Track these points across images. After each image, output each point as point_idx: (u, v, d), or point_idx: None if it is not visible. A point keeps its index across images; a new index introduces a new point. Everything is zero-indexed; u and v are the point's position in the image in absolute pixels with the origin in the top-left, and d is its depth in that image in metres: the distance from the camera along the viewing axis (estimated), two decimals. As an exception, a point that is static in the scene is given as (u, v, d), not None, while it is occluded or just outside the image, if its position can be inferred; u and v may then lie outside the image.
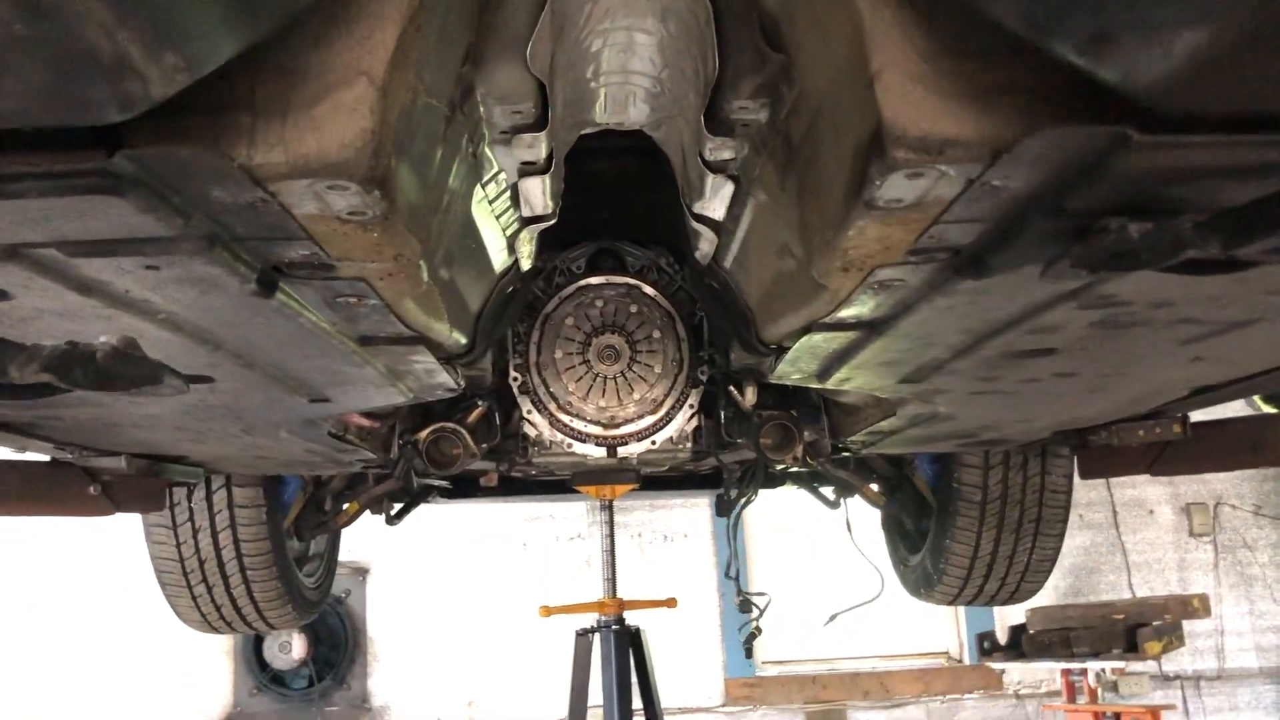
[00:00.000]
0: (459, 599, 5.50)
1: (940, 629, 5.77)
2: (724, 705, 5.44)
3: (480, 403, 2.29)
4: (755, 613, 3.20)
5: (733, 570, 3.09)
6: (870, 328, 1.33)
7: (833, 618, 3.33)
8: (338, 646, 5.31)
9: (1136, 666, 2.83)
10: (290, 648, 5.07)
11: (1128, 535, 5.68)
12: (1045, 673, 5.41)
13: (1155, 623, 2.69)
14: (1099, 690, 2.78)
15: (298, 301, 1.07)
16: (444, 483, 3.14)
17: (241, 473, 2.58)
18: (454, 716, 5.40)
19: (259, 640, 5.16)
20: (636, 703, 3.04)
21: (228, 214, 0.83)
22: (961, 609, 5.62)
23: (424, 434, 2.27)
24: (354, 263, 0.95)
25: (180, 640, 4.79)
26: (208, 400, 1.55)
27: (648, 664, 3.12)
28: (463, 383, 1.95)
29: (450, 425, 2.28)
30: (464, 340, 1.62)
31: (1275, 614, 5.64)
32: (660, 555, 5.53)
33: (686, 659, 5.38)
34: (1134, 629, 2.69)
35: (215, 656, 5.30)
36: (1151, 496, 5.78)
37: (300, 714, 5.24)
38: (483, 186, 1.24)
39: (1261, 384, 1.65)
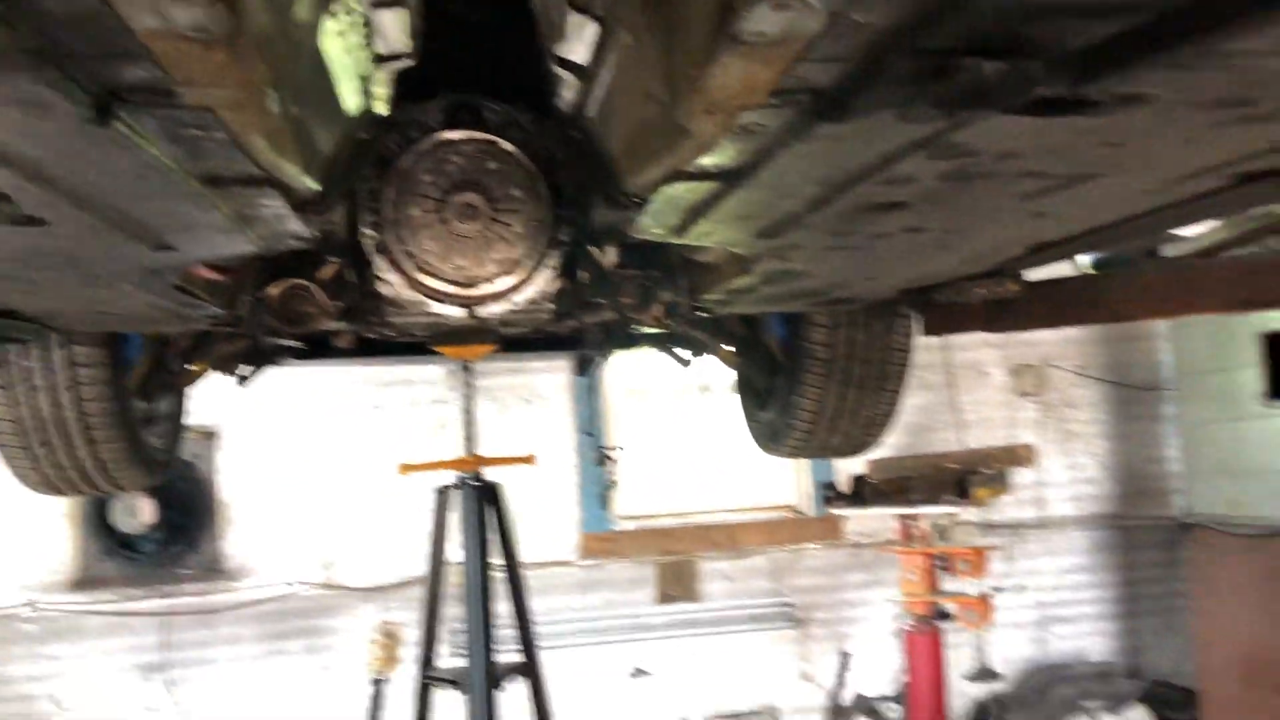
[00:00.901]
0: (313, 463, 5.46)
1: (785, 484, 6.03)
2: (580, 559, 5.60)
3: (333, 260, 2.23)
4: (611, 464, 3.28)
5: (591, 426, 3.15)
6: (730, 178, 1.35)
7: (698, 453, 3.42)
8: (189, 511, 5.22)
9: (968, 515, 3.04)
10: (138, 511, 4.96)
11: (962, 396, 5.99)
12: (882, 522, 5.75)
13: (984, 471, 2.87)
14: (932, 535, 2.97)
15: (138, 132, 1.01)
16: (296, 343, 3.07)
17: (81, 330, 2.46)
18: (311, 578, 5.41)
19: (102, 505, 5.03)
20: (495, 558, 3.11)
21: (59, 26, 0.78)
22: (805, 465, 5.88)
23: (275, 289, 2.20)
24: (198, 88, 0.90)
25: (17, 504, 4.65)
26: (41, 247, 1.47)
27: (506, 520, 3.18)
28: (316, 233, 1.89)
29: (302, 282, 2.22)
30: (316, 186, 1.56)
31: (1091, 467, 6.08)
32: (519, 418, 5.57)
33: (544, 516, 5.49)
34: (965, 478, 2.87)
35: (56, 521, 5.15)
36: (985, 359, 6.10)
37: (151, 577, 5.16)
38: (334, 17, 1.18)
39: (1095, 241, 1.74)
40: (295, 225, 1.62)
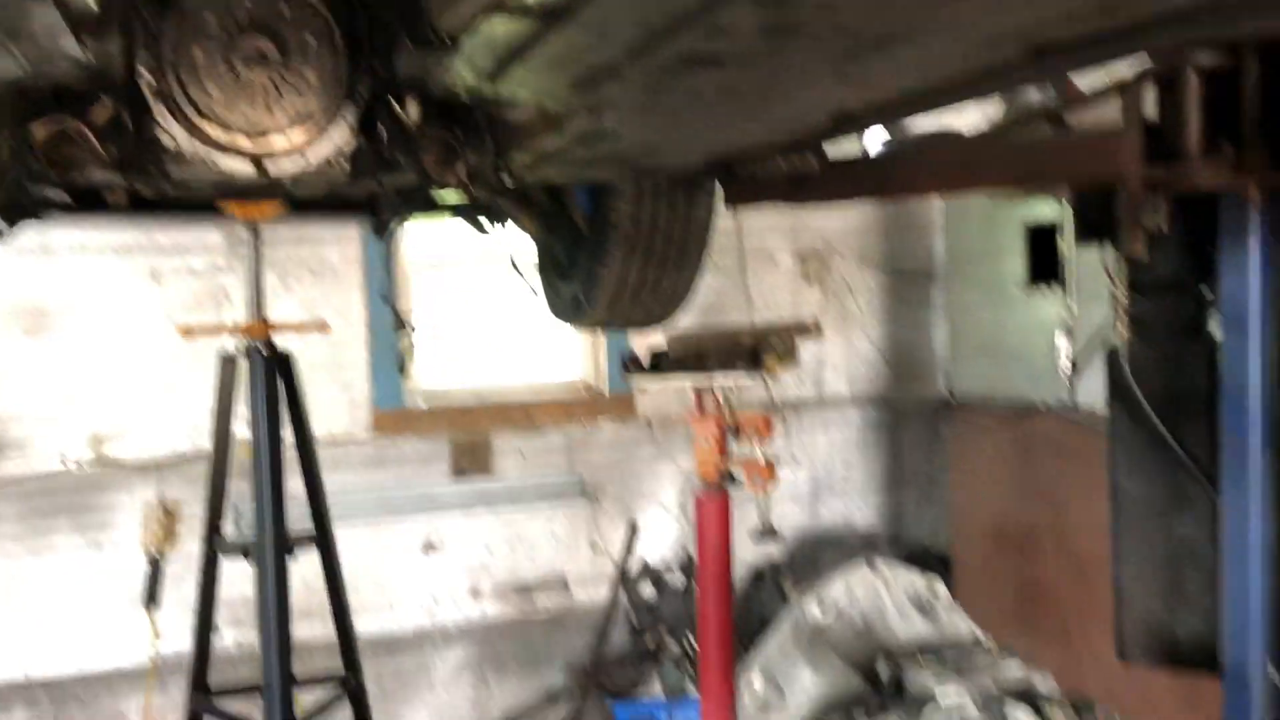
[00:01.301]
0: (83, 332, 5.11)
1: (582, 363, 6.10)
2: (372, 436, 5.52)
3: (108, 101, 2.06)
4: (410, 330, 3.22)
5: (386, 292, 3.08)
6: (550, 16, 1.32)
7: (497, 320, 3.40)
8: (-63, 382, 4.81)
9: (754, 396, 3.16)
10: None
11: (753, 280, 6.18)
12: (673, 401, 5.93)
13: (775, 342, 3.00)
14: (724, 403, 3.09)
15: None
16: (63, 196, 2.84)
17: None
18: (82, 454, 5.11)
19: None
20: (286, 434, 3.02)
21: None
22: (601, 344, 5.97)
23: (40, 128, 2.02)
24: None
25: None
26: None
27: (298, 391, 3.08)
28: (91, 60, 1.74)
29: (74, 122, 2.05)
30: (93, 3, 1.43)
31: (866, 350, 6.43)
32: (307, 291, 5.37)
33: (336, 392, 5.36)
34: (757, 348, 2.98)
35: None
36: (774, 245, 6.30)
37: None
38: None
39: (893, 111, 1.81)
40: (70, 45, 1.48)
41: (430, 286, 5.68)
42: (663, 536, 6.10)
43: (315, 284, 5.40)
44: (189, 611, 5.18)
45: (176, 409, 5.23)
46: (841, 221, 6.42)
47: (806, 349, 6.26)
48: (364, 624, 3.35)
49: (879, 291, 6.47)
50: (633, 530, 6.02)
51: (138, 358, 5.18)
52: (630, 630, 5.94)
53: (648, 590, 5.99)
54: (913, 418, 6.44)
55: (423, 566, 5.68)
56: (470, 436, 5.72)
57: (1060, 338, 4.67)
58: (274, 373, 2.93)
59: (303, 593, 3.28)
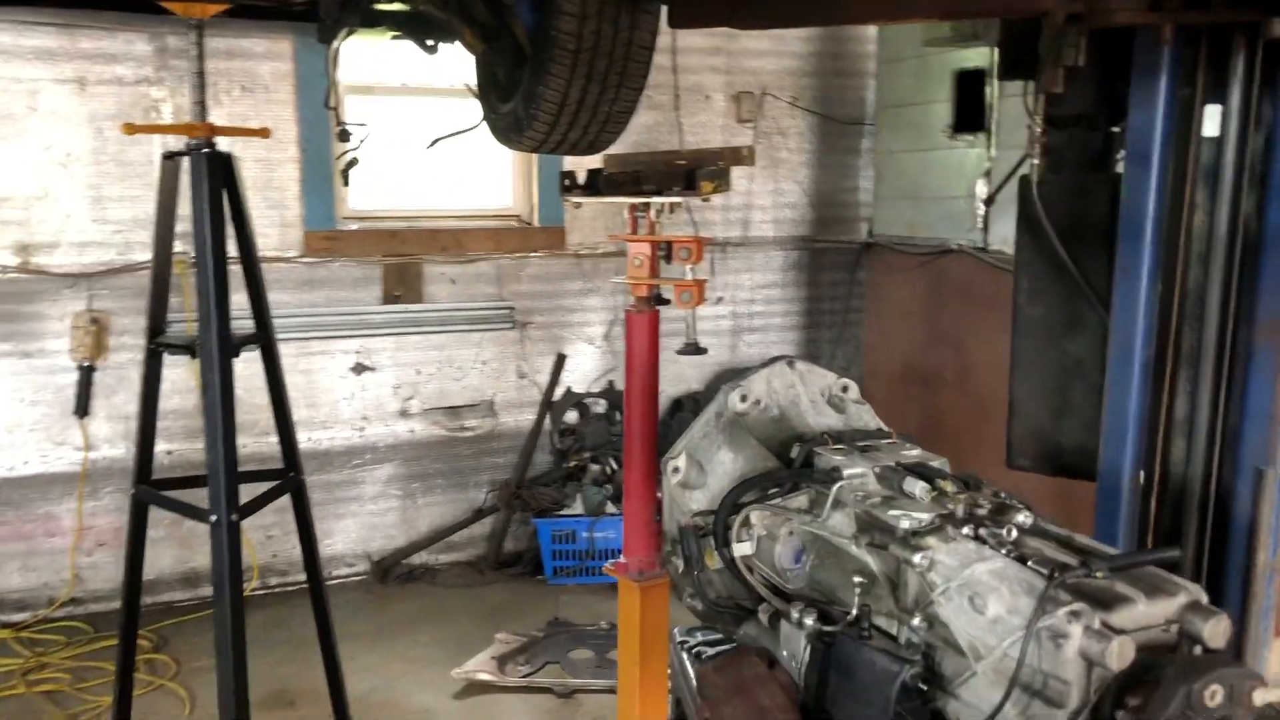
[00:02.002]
0: (3, 136, 5.00)
1: (514, 193, 6.15)
2: (303, 256, 5.54)
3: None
4: (350, 141, 3.26)
5: (333, 101, 3.10)
6: None
7: (434, 142, 3.46)
8: None
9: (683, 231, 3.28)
10: None
11: (686, 117, 6.24)
12: (602, 234, 6.03)
13: (709, 167, 3.10)
14: (656, 225, 3.21)
15: None
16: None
17: None
18: (8, 261, 5.06)
19: None
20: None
21: None
22: (534, 175, 6.01)
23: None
24: None
25: None
26: None
27: (239, 190, 3.13)
28: None
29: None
30: None
31: (793, 192, 6.57)
32: (237, 105, 5.29)
33: (266, 212, 5.34)
34: (692, 172, 3.08)
35: None
36: (709, 84, 6.33)
37: None
38: None
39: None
40: None
41: (363, 108, 5.62)
42: (588, 367, 6.29)
43: (246, 99, 5.32)
44: (117, 420, 5.29)
45: (104, 221, 5.19)
46: (777, 63, 6.46)
47: (736, 192, 6.40)
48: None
49: (809, 136, 6.57)
50: (560, 361, 6.20)
51: (64, 168, 5.10)
52: (554, 453, 6.18)
53: (572, 416, 6.20)
54: (833, 260, 6.64)
55: (354, 386, 5.80)
56: (401, 261, 5.77)
57: (980, 183, 4.86)
58: (217, 171, 2.96)
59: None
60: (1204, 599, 1.55)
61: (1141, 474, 2.58)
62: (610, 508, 5.81)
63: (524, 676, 4.66)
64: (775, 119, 6.50)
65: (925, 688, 1.66)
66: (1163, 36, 2.35)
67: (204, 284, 2.92)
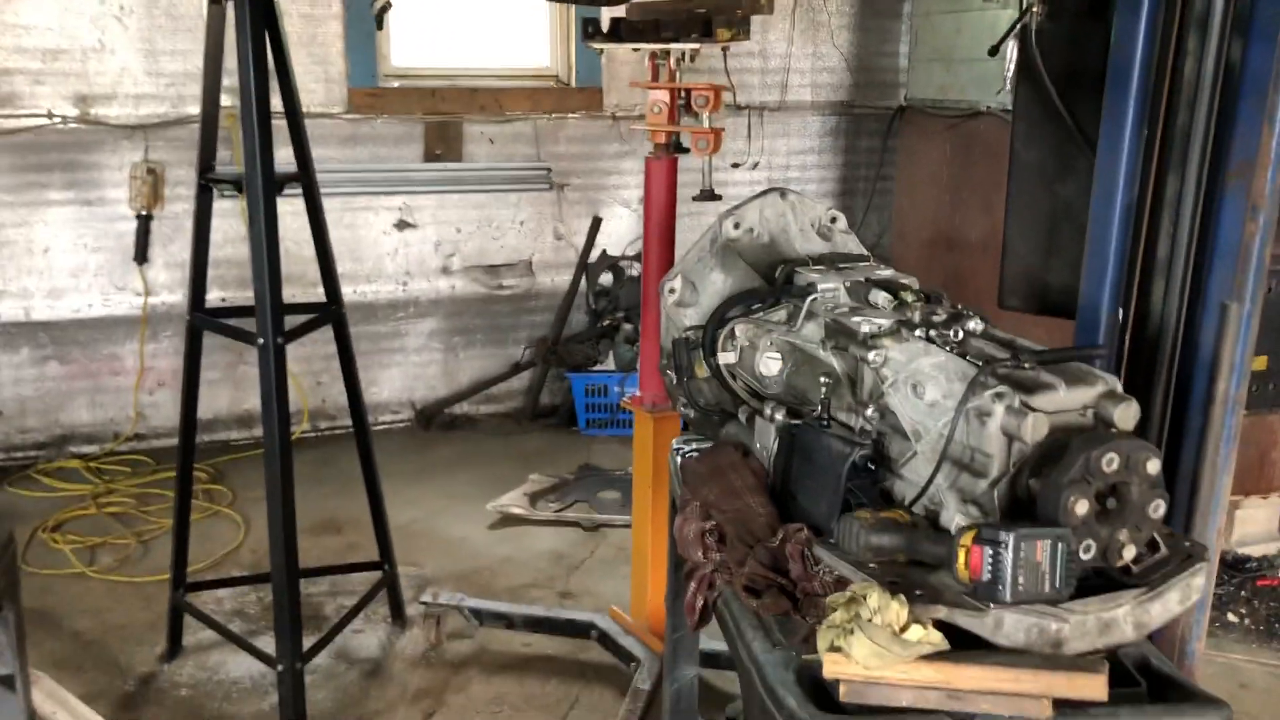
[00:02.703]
0: (59, -10, 5.19)
1: (552, 53, 6.25)
2: (347, 113, 5.72)
3: None
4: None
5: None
6: None
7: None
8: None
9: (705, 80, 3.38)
10: None
11: (726, -21, 6.24)
12: (639, 95, 6.12)
13: (727, 16, 3.21)
14: (676, 71, 3.35)
15: None
16: None
17: None
18: (68, 111, 5.31)
19: None
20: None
21: None
22: (571, 37, 6.09)
23: None
24: None
25: None
26: None
27: (282, 37, 3.30)
28: None
29: None
30: None
31: (831, 57, 6.58)
32: (282, -38, 5.41)
33: (311, 66, 5.51)
34: (711, 19, 3.21)
35: None
36: (751, -56, 6.31)
37: (-114, 101, 4.94)
38: None
39: None
40: None
41: (405, -34, 5.73)
42: (623, 230, 6.46)
43: (291, -46, 5.44)
44: (174, 267, 5.58)
45: (158, 74, 5.40)
46: (819, -76, 6.41)
47: (774, 55, 6.43)
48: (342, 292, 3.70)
49: (851, 0, 6.56)
50: (596, 224, 6.37)
51: (118, 20, 5.29)
52: (589, 313, 6.41)
53: (606, 278, 6.41)
54: (869, 127, 6.68)
55: (397, 242, 6.04)
56: (442, 119, 5.93)
57: (1011, 45, 4.87)
58: (259, 15, 3.13)
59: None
60: (1118, 388, 1.73)
61: (1120, 311, 2.73)
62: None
63: (554, 511, 4.98)
64: (816, -18, 6.49)
65: (873, 467, 1.87)
66: (1157, -117, 2.42)
67: (248, 123, 3.11)
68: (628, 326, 6.22)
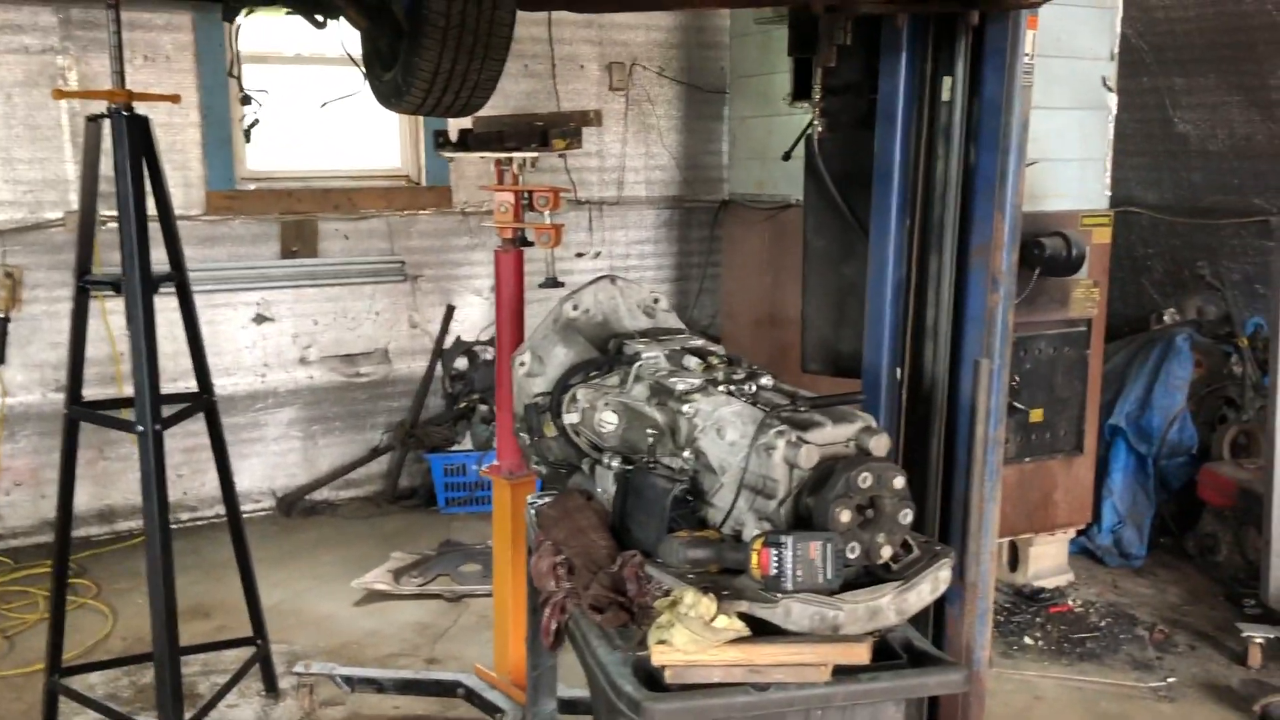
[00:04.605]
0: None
1: (403, 155, 6.65)
2: (206, 214, 5.98)
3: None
4: (254, 105, 3.77)
5: (235, 69, 3.59)
6: None
7: (325, 104, 3.98)
8: None
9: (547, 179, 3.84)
10: None
11: (562, 85, 6.80)
12: (484, 194, 6.55)
13: (562, 126, 3.69)
14: (520, 175, 3.79)
15: None
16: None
17: None
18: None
19: None
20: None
21: None
22: (420, 138, 6.51)
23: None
24: None
25: None
26: None
27: (154, 148, 3.61)
28: None
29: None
30: None
31: (661, 155, 7.18)
32: (139, 74, 5.67)
33: (171, 172, 5.70)
34: (546, 130, 3.67)
35: None
36: (584, 54, 6.90)
37: None
38: None
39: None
40: None
41: (260, 76, 6.05)
42: (476, 317, 6.85)
43: (148, 68, 5.72)
44: (32, 368, 5.69)
45: (15, 181, 5.56)
46: (646, 35, 7.05)
47: (610, 155, 6.99)
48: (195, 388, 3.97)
49: (676, 103, 7.19)
50: (449, 311, 6.74)
51: (-25, 130, 5.46)
52: (445, 396, 6.73)
53: (461, 362, 6.76)
54: (698, 218, 7.30)
55: (255, 335, 6.27)
56: (297, 218, 6.24)
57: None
58: (135, 131, 3.44)
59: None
60: (874, 424, 2.21)
61: (899, 370, 3.26)
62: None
63: (418, 586, 5.24)
64: (645, 87, 7.10)
65: (691, 499, 2.30)
66: (899, 22, 3.01)
67: (126, 229, 3.40)
68: (483, 407, 6.57)
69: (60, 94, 3.48)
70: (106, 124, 3.48)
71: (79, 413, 3.72)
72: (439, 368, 6.71)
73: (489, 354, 6.79)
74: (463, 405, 6.62)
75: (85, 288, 3.66)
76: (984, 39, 3.00)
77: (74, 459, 3.81)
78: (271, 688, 4.24)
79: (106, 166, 3.46)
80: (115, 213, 3.40)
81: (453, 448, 6.52)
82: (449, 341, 6.74)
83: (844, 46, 3.15)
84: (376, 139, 6.59)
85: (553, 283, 3.88)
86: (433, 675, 4.20)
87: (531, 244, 3.93)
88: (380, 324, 6.60)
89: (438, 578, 5.35)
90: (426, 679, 4.15)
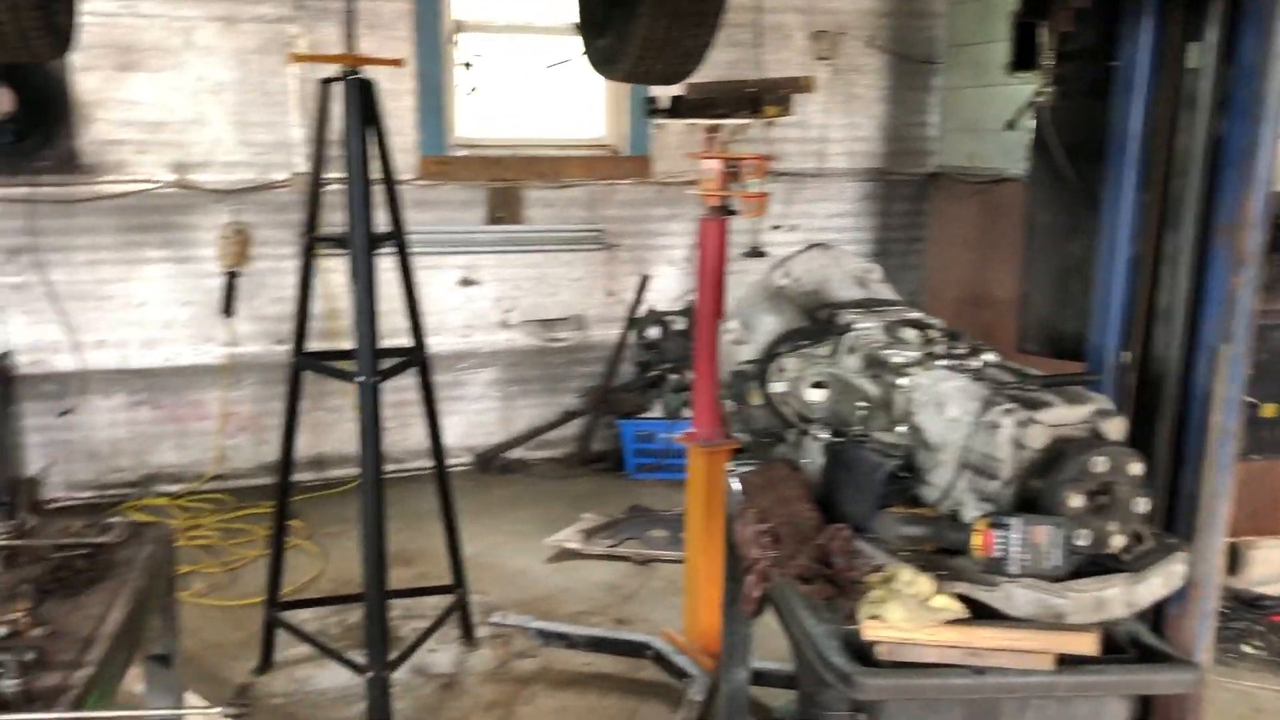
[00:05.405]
0: (164, 67, 5.73)
1: (608, 124, 6.72)
2: (418, 179, 6.20)
3: None
4: (471, 70, 3.86)
5: (454, 40, 3.69)
6: None
7: (552, 66, 4.04)
8: (44, 106, 5.46)
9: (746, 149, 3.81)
10: (-4, 102, 5.19)
11: (766, 54, 6.71)
12: (685, 163, 6.55)
13: (774, 93, 3.63)
14: (728, 146, 3.76)
15: None
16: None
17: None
18: (165, 177, 5.82)
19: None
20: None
21: None
22: (624, 108, 6.56)
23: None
24: None
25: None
26: None
27: (378, 110, 3.75)
28: None
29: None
30: None
31: (865, 127, 7.02)
32: (365, 43, 5.89)
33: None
34: (758, 97, 3.63)
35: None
36: (789, 23, 6.79)
37: (9, 167, 5.46)
38: None
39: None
40: None
41: (472, 43, 6.24)
42: (670, 287, 6.87)
43: (370, 36, 5.95)
44: (257, 320, 6.05)
45: (248, 143, 5.91)
46: (855, 4, 6.88)
47: (812, 125, 6.87)
48: (410, 343, 4.12)
49: (883, 73, 7.00)
50: (644, 281, 6.79)
51: (214, 96, 5.82)
52: (637, 364, 6.80)
53: (654, 331, 6.80)
54: (901, 192, 7.09)
55: (460, 298, 6.48)
56: (504, 185, 6.40)
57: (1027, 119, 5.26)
58: (361, 95, 3.59)
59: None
60: (1109, 406, 2.09)
61: (1126, 354, 3.08)
62: (687, 412, 6.42)
63: (607, 547, 5.33)
64: (851, 57, 6.93)
65: (905, 475, 2.23)
66: (1148, -17, 2.81)
67: (354, 189, 3.56)
68: (674, 376, 6.60)
69: (297, 57, 3.67)
70: (335, 87, 3.64)
71: (304, 362, 3.93)
72: (632, 336, 6.78)
73: (681, 323, 6.81)
74: (654, 373, 6.67)
75: (312, 244, 3.85)
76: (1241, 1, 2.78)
77: (297, 405, 4.04)
78: (468, 635, 4.40)
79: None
80: (335, 175, 3.56)
81: (643, 415, 6.59)
82: (642, 310, 6.79)
83: (1081, 10, 2.98)
84: (582, 108, 6.68)
85: (756, 253, 3.84)
86: (622, 635, 4.26)
87: (736, 213, 3.90)
88: (578, 291, 6.71)
89: (626, 541, 5.42)
90: (616, 638, 4.22)
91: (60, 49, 3.42)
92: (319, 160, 3.80)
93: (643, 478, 6.42)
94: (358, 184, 3.57)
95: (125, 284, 5.83)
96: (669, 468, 6.30)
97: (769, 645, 3.30)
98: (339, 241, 3.76)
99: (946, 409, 2.15)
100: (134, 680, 2.59)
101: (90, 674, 1.92)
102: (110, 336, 5.86)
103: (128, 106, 5.69)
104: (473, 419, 6.64)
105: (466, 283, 6.48)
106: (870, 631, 1.94)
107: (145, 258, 5.85)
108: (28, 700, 1.80)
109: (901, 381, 2.26)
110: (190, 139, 5.82)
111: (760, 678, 3.61)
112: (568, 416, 6.77)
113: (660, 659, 4.03)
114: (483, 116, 6.42)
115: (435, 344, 6.40)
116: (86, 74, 5.58)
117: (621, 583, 5.04)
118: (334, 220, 4.18)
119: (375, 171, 3.70)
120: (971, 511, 2.07)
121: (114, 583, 2.29)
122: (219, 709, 2.02)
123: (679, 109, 3.80)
